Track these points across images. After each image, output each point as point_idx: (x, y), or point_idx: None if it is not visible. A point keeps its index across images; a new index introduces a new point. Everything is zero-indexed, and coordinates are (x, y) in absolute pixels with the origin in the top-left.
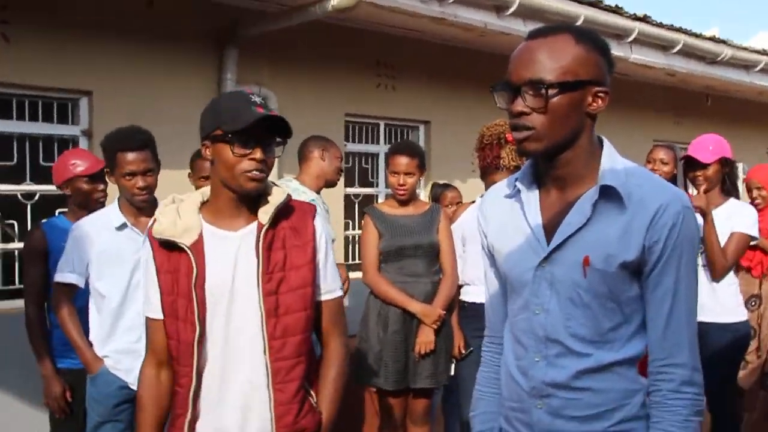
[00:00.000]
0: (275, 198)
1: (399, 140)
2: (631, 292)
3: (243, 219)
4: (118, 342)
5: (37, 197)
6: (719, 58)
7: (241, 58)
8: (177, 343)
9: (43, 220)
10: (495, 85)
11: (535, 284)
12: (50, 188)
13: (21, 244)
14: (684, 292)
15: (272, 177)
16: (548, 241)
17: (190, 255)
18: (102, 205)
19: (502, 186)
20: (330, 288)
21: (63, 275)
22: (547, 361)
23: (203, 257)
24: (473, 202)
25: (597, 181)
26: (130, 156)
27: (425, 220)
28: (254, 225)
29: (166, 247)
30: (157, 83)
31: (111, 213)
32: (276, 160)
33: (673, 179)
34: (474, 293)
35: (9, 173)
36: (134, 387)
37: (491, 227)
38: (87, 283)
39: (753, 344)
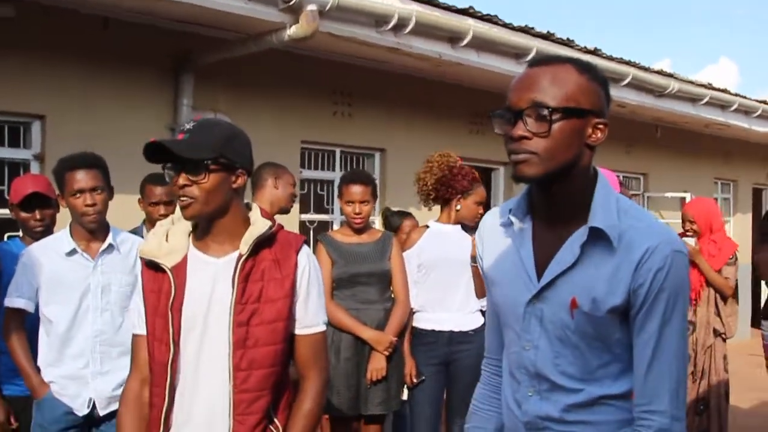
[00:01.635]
0: (257, 228)
1: (354, 167)
2: (619, 334)
3: (228, 246)
4: (65, 368)
5: None
6: (667, 91)
7: (198, 84)
8: (153, 362)
9: None
10: (495, 110)
11: (526, 320)
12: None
13: None
14: (669, 339)
15: None
16: (539, 277)
17: (170, 276)
18: (40, 234)
19: (498, 213)
20: (311, 323)
21: (11, 300)
22: (540, 396)
23: (184, 280)
24: (427, 227)
25: (587, 220)
26: (79, 174)
27: (378, 248)
28: (236, 254)
29: (152, 267)
30: (112, 108)
31: (62, 238)
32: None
33: None
34: (426, 320)
35: None
36: (79, 413)
37: (487, 254)
38: (38, 308)
39: (688, 368)
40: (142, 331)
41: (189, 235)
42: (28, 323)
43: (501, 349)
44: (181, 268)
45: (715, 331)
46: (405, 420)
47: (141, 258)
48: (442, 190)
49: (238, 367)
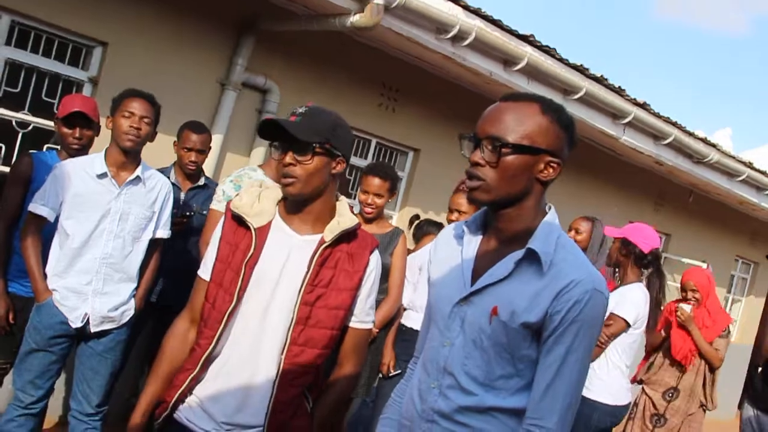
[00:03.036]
0: (346, 222)
1: (386, 161)
2: (528, 350)
3: (310, 226)
4: (70, 280)
5: (30, 128)
6: (705, 160)
7: (256, 47)
8: (211, 308)
9: (35, 151)
10: (463, 134)
11: (450, 319)
12: (44, 122)
13: (2, 168)
14: (571, 365)
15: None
16: (473, 284)
17: (253, 235)
18: (75, 151)
19: (457, 225)
20: (363, 318)
21: (36, 206)
22: (439, 390)
23: (263, 243)
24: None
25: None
26: (136, 101)
27: (383, 241)
28: (318, 237)
29: (237, 221)
30: (171, 50)
31: (95, 160)
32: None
33: (584, 249)
34: (414, 318)
35: (10, 100)
36: (73, 325)
37: (435, 258)
38: (57, 219)
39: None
40: (206, 276)
41: (277, 203)
42: (45, 232)
43: None
44: (264, 231)
45: (699, 401)
46: (369, 408)
47: (229, 210)
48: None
49: (295, 341)
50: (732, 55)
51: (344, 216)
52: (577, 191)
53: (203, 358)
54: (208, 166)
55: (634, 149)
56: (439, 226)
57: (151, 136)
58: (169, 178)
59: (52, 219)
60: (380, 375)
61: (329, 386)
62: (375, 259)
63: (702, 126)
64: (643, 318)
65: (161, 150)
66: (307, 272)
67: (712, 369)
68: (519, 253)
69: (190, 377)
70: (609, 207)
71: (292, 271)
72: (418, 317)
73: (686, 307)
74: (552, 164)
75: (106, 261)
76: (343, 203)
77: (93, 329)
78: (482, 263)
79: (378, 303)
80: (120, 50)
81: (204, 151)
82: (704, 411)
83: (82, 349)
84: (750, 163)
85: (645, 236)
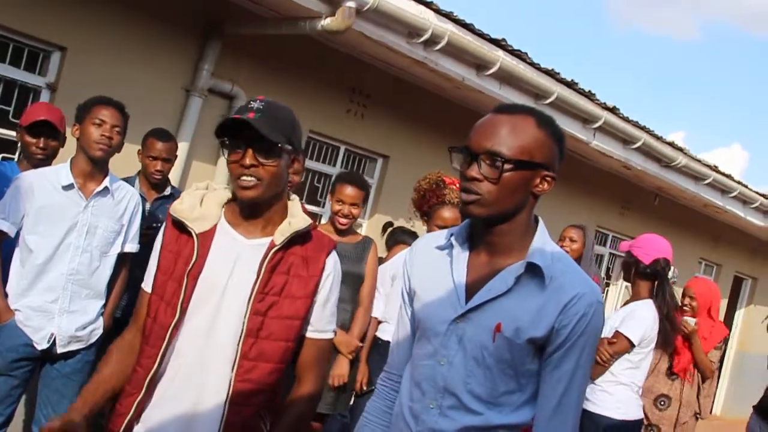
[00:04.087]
0: (297, 223)
1: (355, 167)
2: (531, 365)
3: (259, 230)
4: (35, 299)
5: None
6: (673, 164)
7: (223, 52)
8: (152, 323)
9: None
10: (455, 147)
11: (446, 337)
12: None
13: None
14: (579, 379)
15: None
16: (467, 300)
17: (195, 242)
18: (39, 161)
19: (437, 236)
20: (323, 328)
21: None
22: (440, 410)
23: (207, 250)
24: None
25: (525, 256)
26: (108, 109)
27: (357, 251)
28: (268, 241)
29: (179, 227)
30: (133, 56)
31: (60, 171)
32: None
33: (579, 258)
34: (387, 331)
35: None
36: (38, 347)
37: (416, 272)
38: (18, 234)
39: None
40: (148, 288)
41: (223, 206)
42: (4, 248)
43: (403, 365)
44: (207, 237)
45: (693, 411)
46: (344, 426)
47: (169, 216)
48: (418, 212)
49: (245, 355)
50: (683, 59)
51: (296, 216)
52: (546, 197)
53: (147, 380)
54: (174, 175)
55: (604, 153)
56: (414, 236)
57: (119, 147)
58: (133, 186)
59: (12, 234)
60: (354, 391)
61: (288, 406)
62: (332, 262)
63: (655, 129)
64: (651, 337)
65: (125, 159)
66: (257, 279)
67: (704, 378)
68: (519, 267)
69: (135, 402)
70: (578, 212)
71: (240, 278)
72: (391, 328)
73: (690, 321)
74: (547, 178)
75: (72, 277)
76: (295, 203)
77: (60, 350)
78: (475, 278)
79: (351, 314)
80: (79, 55)
81: (170, 160)
82: (696, 420)
83: (47, 371)
84: (715, 166)
85: (649, 247)
